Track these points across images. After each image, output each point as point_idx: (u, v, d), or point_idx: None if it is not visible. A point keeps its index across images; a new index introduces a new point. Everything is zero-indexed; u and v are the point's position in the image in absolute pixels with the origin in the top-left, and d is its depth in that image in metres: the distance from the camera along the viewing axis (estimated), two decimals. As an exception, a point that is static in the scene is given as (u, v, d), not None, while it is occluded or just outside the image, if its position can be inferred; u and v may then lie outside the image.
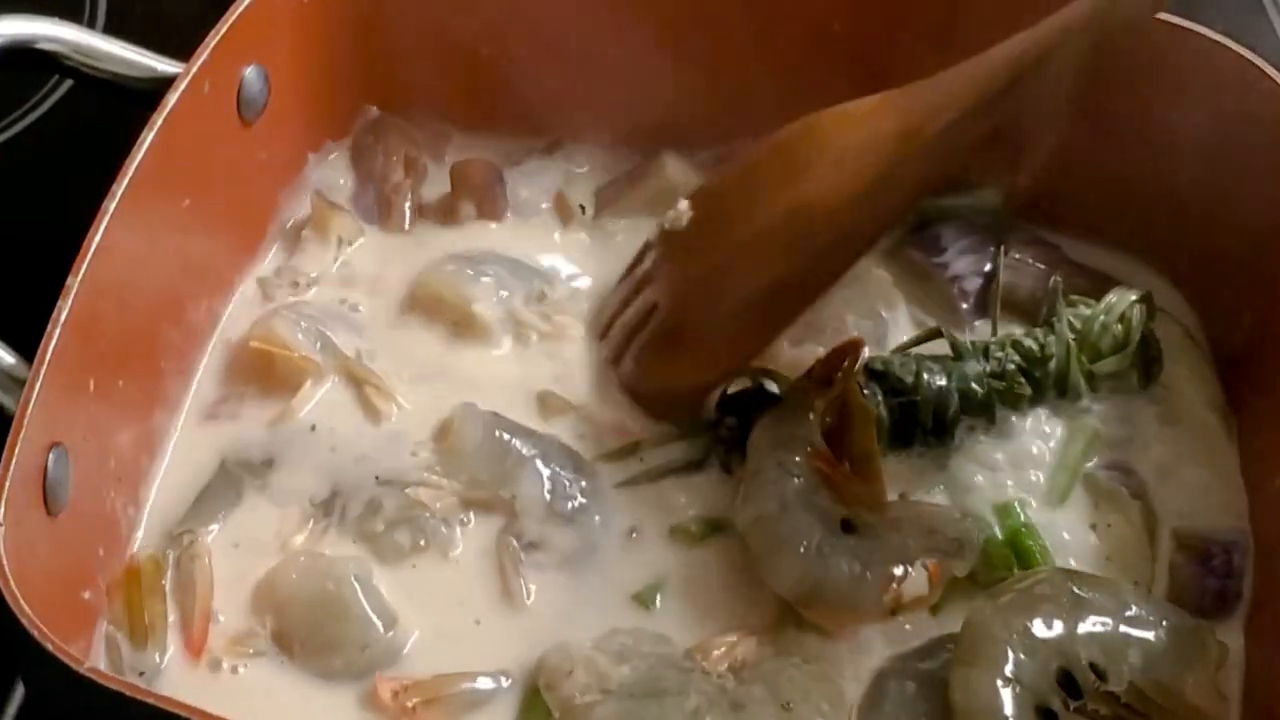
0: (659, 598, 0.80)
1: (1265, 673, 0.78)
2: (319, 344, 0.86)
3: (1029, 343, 0.86)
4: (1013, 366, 0.85)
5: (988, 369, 0.85)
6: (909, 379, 0.84)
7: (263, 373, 0.86)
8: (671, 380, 0.85)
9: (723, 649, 0.77)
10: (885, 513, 0.79)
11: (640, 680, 0.74)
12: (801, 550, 0.76)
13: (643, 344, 0.86)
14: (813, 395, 0.81)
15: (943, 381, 0.84)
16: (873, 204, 0.80)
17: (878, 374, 0.85)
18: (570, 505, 0.82)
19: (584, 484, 0.83)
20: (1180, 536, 0.83)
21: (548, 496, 0.82)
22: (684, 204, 0.86)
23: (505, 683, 0.76)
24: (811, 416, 0.80)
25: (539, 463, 0.83)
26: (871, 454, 0.81)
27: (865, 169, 0.79)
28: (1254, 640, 0.80)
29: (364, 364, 0.87)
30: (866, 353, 0.85)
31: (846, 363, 0.82)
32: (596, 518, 0.82)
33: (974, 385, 0.84)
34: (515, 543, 0.81)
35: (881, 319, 0.91)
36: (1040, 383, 0.86)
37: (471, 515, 0.82)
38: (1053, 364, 0.86)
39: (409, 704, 0.74)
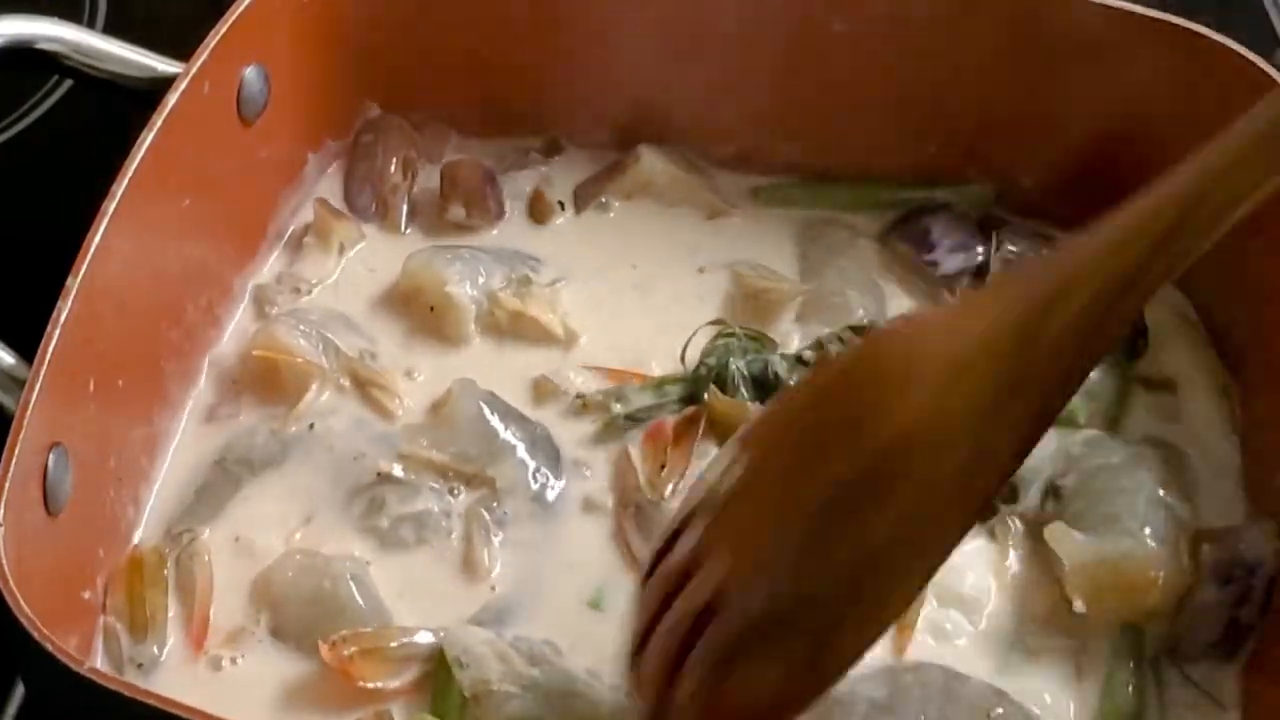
0: (607, 599, 0.80)
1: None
2: (321, 347, 0.86)
3: None
4: None
5: None
6: None
7: (268, 380, 0.86)
8: (762, 702, 0.62)
9: None
10: None
11: (553, 684, 0.74)
12: None
13: (713, 655, 0.61)
14: (658, 484, 0.82)
15: None
16: (993, 425, 0.59)
17: (860, 330, 0.86)
18: (546, 498, 0.83)
19: (560, 482, 0.83)
20: (1206, 550, 0.78)
21: (533, 484, 0.82)
22: (730, 450, 0.65)
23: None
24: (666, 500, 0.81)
25: (525, 453, 0.83)
26: None
27: (974, 387, 0.59)
28: (1258, 677, 0.77)
29: (368, 364, 0.87)
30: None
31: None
32: (564, 515, 0.83)
33: None
34: (487, 515, 0.81)
35: (881, 291, 0.92)
36: None
37: (462, 493, 0.82)
38: None
39: (345, 653, 0.74)
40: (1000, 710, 0.74)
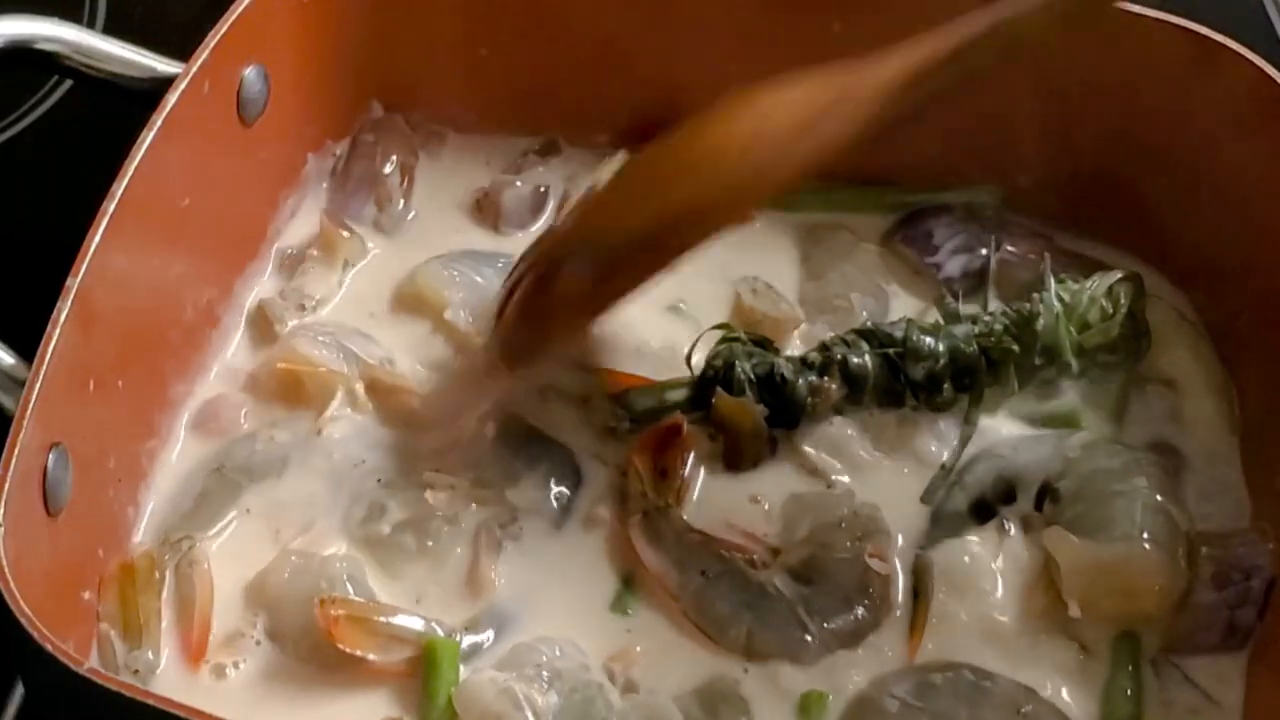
0: (633, 602, 0.80)
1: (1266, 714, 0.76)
2: (340, 355, 0.86)
3: (1017, 309, 0.87)
4: (1000, 328, 0.86)
5: (976, 330, 0.86)
6: (897, 334, 0.86)
7: (292, 391, 0.86)
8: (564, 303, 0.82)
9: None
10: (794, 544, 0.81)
11: (571, 708, 0.74)
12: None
13: (539, 270, 0.83)
14: (661, 491, 0.82)
15: (931, 340, 0.85)
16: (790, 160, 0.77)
17: (865, 333, 0.86)
18: (562, 515, 0.83)
19: (575, 496, 0.83)
20: (1204, 554, 0.78)
21: (553, 505, 0.83)
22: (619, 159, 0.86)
23: (439, 632, 0.76)
24: (671, 506, 0.82)
25: (543, 473, 0.83)
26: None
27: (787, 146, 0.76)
28: (1258, 677, 0.77)
29: (389, 370, 0.87)
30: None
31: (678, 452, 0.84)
32: (576, 526, 0.83)
33: (961, 344, 0.85)
34: (500, 531, 0.81)
35: (884, 293, 0.92)
36: (1027, 343, 0.86)
37: (473, 509, 0.82)
38: (1040, 324, 0.86)
39: (333, 614, 0.74)
40: (1030, 708, 0.75)
